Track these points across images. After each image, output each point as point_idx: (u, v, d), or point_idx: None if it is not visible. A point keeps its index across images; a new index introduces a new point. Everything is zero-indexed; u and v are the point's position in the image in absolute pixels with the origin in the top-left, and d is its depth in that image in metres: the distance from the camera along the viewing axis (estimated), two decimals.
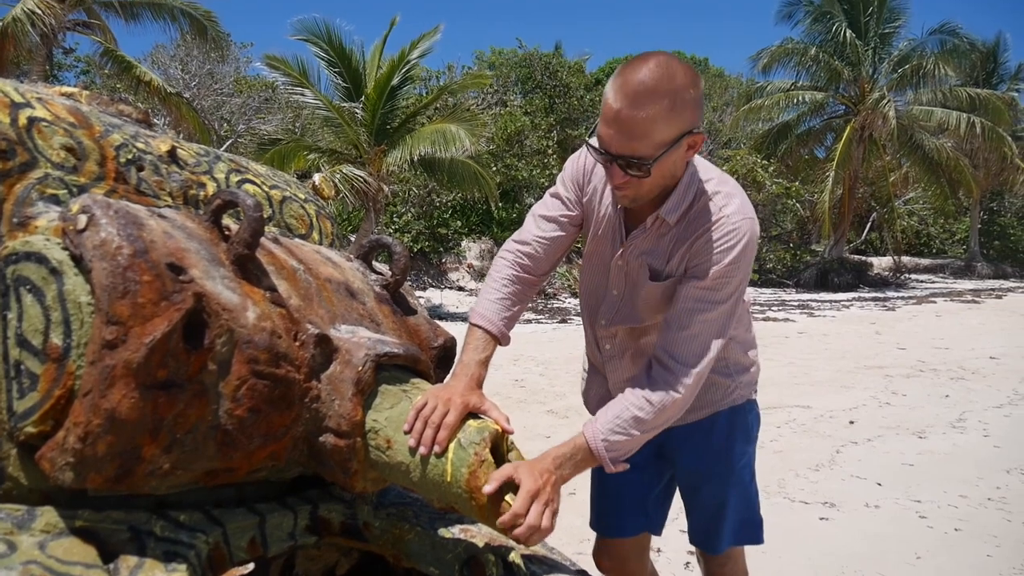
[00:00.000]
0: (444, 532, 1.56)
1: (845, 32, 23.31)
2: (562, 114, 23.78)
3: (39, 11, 13.88)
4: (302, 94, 14.80)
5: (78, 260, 1.18)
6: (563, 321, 13.91)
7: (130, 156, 1.51)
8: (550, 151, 21.19)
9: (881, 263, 27.86)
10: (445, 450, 1.35)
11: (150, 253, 1.19)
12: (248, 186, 1.75)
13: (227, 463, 1.29)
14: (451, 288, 17.86)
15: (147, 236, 1.21)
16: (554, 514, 1.37)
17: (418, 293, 16.29)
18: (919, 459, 5.24)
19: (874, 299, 20.19)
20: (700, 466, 2.03)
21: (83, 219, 1.20)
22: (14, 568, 1.09)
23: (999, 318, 15.34)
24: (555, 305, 16.45)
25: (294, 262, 1.50)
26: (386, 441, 1.38)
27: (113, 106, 1.74)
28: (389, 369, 1.45)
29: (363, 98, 14.46)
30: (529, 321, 13.64)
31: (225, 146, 17.27)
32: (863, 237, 30.73)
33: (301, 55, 14.82)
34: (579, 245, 1.87)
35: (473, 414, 1.43)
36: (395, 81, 14.49)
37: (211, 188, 1.65)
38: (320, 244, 1.85)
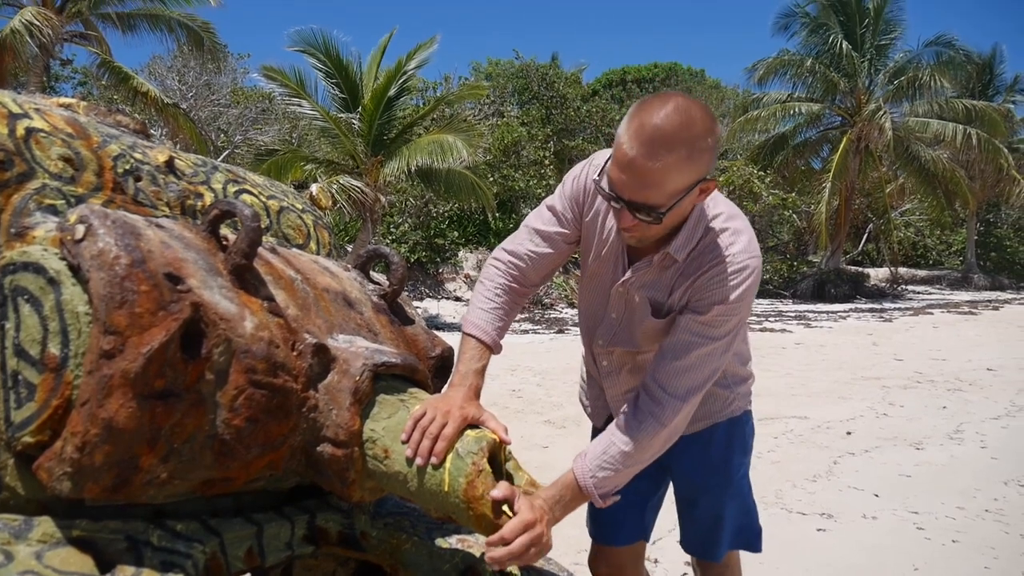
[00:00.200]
0: (441, 542, 1.56)
1: (841, 44, 23.43)
2: (559, 125, 23.88)
3: (37, 23, 13.96)
4: (299, 105, 14.88)
5: (76, 270, 1.18)
6: (560, 331, 13.92)
7: (128, 167, 1.52)
8: (547, 162, 21.27)
9: (878, 274, 27.94)
10: (443, 461, 1.35)
11: (148, 263, 1.19)
12: (245, 196, 1.75)
13: (224, 473, 1.28)
14: (448, 298, 17.87)
15: (145, 246, 1.21)
16: (539, 553, 1.37)
17: (415, 303, 16.25)
18: (916, 470, 5.23)
19: (871, 310, 20.21)
20: (697, 478, 2.03)
21: (81, 229, 1.20)
22: None
23: (996, 330, 15.36)
24: (552, 316, 16.47)
25: (292, 272, 1.50)
26: (384, 451, 1.38)
27: (110, 117, 1.74)
28: (387, 379, 1.45)
29: (360, 109, 14.51)
30: (526, 331, 13.66)
31: (222, 157, 17.30)
32: (860, 248, 30.83)
33: (298, 66, 14.90)
34: (576, 256, 1.86)
35: (471, 424, 1.43)
36: (392, 92, 14.55)
37: (208, 198, 1.65)
38: (317, 254, 1.85)
